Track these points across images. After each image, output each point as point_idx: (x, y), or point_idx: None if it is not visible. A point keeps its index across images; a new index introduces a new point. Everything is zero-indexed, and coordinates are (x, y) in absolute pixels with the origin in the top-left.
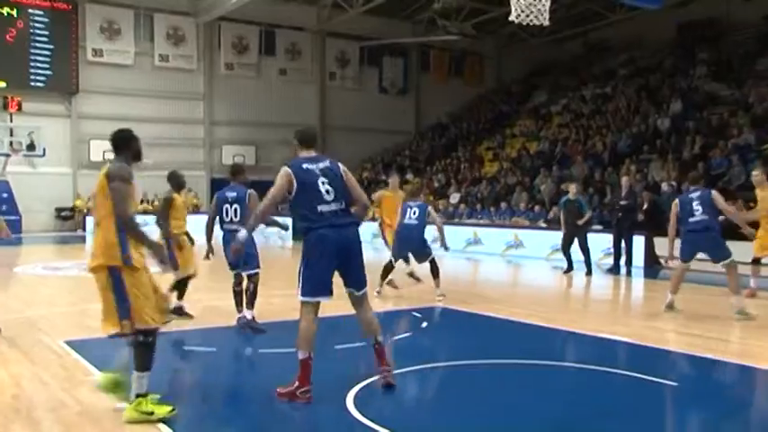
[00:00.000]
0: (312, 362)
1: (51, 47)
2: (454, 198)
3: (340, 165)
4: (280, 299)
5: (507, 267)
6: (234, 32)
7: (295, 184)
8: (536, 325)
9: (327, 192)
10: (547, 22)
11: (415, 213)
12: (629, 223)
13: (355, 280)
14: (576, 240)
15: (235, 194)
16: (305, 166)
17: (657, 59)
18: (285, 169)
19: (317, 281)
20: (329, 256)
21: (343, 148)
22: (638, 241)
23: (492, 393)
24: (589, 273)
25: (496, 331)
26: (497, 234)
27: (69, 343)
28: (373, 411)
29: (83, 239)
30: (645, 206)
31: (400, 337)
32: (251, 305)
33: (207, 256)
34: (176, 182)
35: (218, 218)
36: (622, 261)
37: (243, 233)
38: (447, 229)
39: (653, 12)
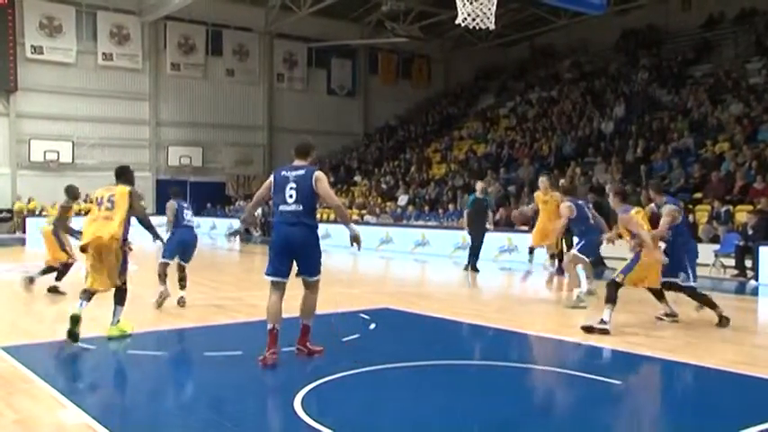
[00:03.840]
0: (277, 333)
1: None
2: (402, 200)
3: (316, 174)
4: (230, 301)
5: (454, 269)
6: (180, 32)
7: (272, 187)
8: (483, 326)
9: (291, 195)
10: (493, 26)
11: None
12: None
13: (304, 268)
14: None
15: (186, 204)
16: (283, 172)
17: (602, 64)
18: (270, 176)
19: (272, 264)
20: (279, 247)
21: (291, 149)
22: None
23: (438, 394)
24: (474, 268)
25: (443, 332)
26: (445, 236)
27: (5, 349)
28: (321, 414)
29: (22, 242)
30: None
31: (348, 338)
32: (184, 288)
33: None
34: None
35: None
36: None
37: (238, 225)
38: (394, 230)
39: (597, 18)
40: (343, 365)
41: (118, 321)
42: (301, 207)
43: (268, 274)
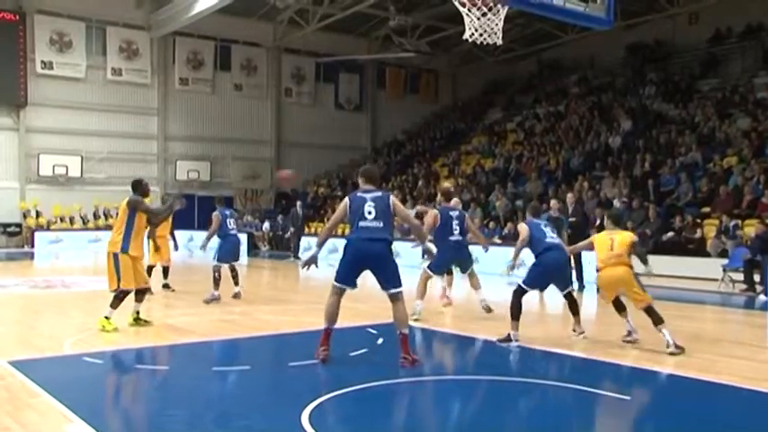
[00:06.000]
0: (331, 332)
1: None
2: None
3: (392, 197)
4: (238, 316)
5: (463, 283)
6: (189, 47)
7: (348, 210)
8: (490, 340)
9: (369, 212)
10: (500, 41)
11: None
12: (578, 239)
13: (384, 282)
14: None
15: (229, 212)
16: (359, 194)
17: (609, 79)
18: (345, 199)
19: (344, 273)
20: (354, 258)
21: (299, 163)
22: (592, 257)
23: (446, 409)
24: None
25: (451, 347)
26: None
27: (14, 363)
28: (329, 429)
29: (30, 256)
30: (597, 222)
31: (356, 353)
32: (238, 284)
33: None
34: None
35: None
36: (574, 276)
37: (316, 249)
38: (402, 244)
39: (604, 33)
40: (350, 380)
41: (105, 317)
42: (381, 224)
43: (337, 281)
